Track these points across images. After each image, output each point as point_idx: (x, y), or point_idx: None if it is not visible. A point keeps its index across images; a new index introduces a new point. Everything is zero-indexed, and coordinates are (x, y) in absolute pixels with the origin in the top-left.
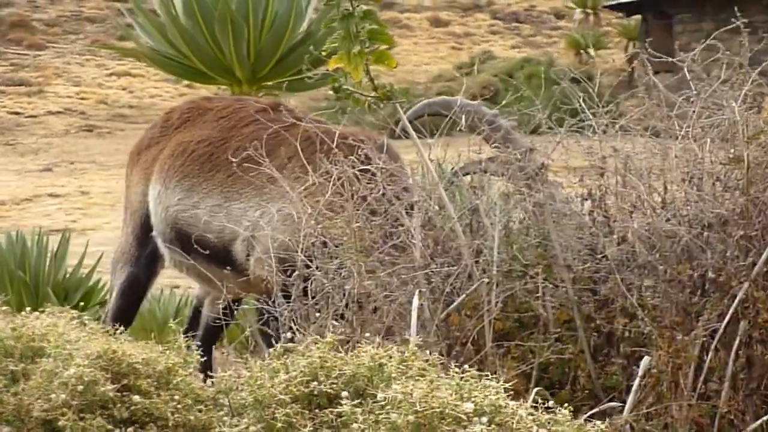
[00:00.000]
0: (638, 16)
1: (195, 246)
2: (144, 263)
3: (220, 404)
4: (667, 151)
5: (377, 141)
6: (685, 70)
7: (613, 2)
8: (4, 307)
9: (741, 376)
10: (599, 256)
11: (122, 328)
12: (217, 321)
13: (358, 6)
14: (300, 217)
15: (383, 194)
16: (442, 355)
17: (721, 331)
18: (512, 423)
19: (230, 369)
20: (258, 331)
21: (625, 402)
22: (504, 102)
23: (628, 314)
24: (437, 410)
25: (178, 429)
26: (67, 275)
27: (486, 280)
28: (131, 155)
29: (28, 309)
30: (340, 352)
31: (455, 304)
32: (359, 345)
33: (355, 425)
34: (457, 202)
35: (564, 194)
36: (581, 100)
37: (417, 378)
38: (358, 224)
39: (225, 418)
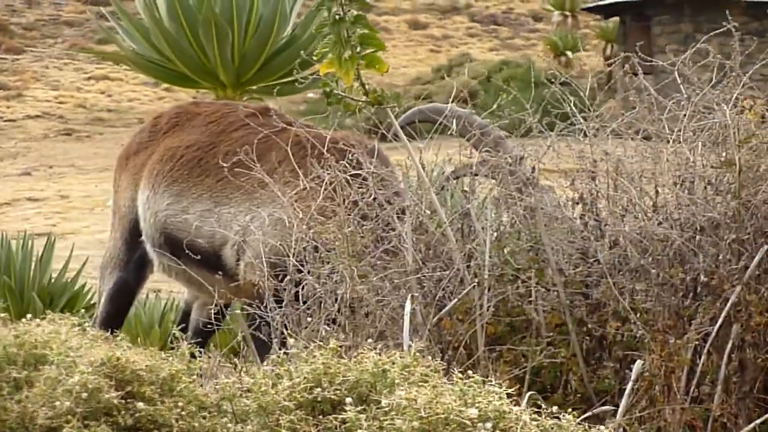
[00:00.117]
0: (616, 19)
1: (184, 251)
2: (133, 268)
3: (224, 411)
4: (658, 154)
5: (368, 145)
6: (676, 73)
7: (591, 4)
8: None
9: (734, 379)
10: (591, 260)
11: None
12: (208, 325)
13: (349, 11)
14: (290, 222)
15: (374, 199)
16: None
17: (713, 334)
18: (516, 428)
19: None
20: (249, 335)
21: (617, 406)
22: (478, 103)
23: (621, 318)
24: (442, 416)
25: None
26: (52, 280)
27: (477, 283)
28: (119, 160)
29: (29, 316)
30: (343, 358)
31: (447, 308)
32: (354, 350)
33: (359, 431)
34: (448, 207)
35: (556, 197)
36: (572, 104)
37: (420, 384)
38: (350, 229)
39: (229, 425)
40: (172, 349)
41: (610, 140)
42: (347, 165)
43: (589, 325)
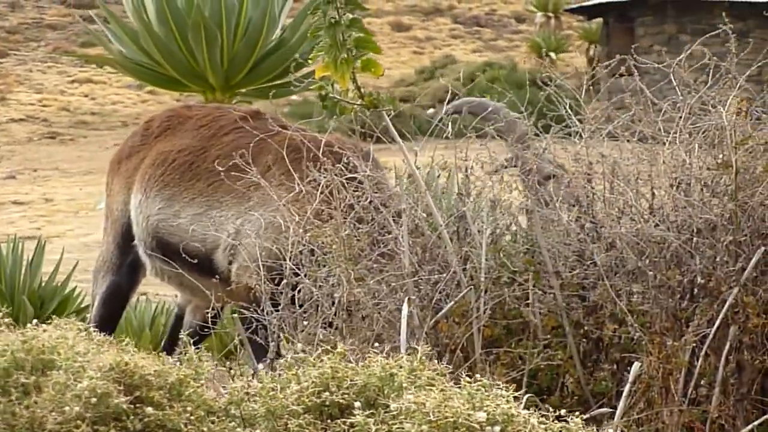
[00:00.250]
0: (600, 20)
1: (177, 254)
2: (126, 272)
3: (232, 415)
4: (654, 156)
5: (362, 149)
6: (671, 76)
7: (575, 5)
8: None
9: (731, 381)
10: (588, 262)
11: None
12: (203, 329)
13: (344, 14)
14: (284, 225)
15: (370, 202)
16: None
17: (711, 336)
18: None
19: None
20: (245, 339)
21: (614, 408)
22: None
23: (617, 320)
24: (450, 420)
25: None
26: (43, 283)
27: (473, 286)
28: (111, 164)
29: (35, 321)
30: (351, 362)
31: (444, 311)
32: (351, 353)
33: None
34: (444, 209)
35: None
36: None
37: (427, 387)
38: (346, 232)
39: (237, 429)
40: (164, 352)
41: (605, 143)
42: (343, 168)
43: (586, 328)
